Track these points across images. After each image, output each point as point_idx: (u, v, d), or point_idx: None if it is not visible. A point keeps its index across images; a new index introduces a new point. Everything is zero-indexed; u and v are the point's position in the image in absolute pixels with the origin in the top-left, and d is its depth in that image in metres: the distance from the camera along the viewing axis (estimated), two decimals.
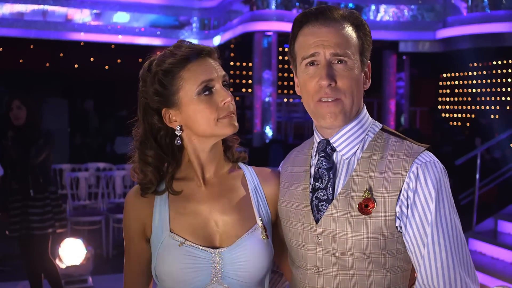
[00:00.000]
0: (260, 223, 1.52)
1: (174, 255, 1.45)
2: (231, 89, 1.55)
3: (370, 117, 1.51)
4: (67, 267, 5.08)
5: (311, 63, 1.43)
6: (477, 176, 6.20)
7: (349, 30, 1.43)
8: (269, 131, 11.88)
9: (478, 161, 6.17)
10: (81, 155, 10.34)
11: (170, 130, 1.53)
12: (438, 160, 1.39)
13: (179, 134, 1.51)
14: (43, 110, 13.76)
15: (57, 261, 5.10)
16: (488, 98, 13.35)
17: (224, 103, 1.47)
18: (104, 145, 11.23)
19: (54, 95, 14.22)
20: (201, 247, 1.46)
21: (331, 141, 1.46)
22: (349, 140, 1.45)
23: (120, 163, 7.81)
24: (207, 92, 1.47)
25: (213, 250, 1.47)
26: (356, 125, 1.46)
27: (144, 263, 1.54)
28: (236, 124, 1.50)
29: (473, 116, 14.02)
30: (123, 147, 9.97)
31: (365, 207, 1.37)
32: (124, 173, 6.98)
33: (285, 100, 14.26)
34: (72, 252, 5.10)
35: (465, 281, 1.31)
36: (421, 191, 1.34)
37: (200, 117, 1.47)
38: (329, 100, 1.41)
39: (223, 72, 1.51)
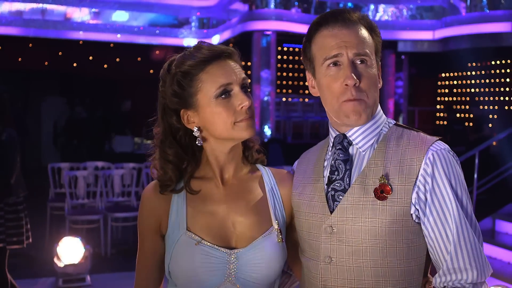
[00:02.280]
0: (276, 226, 1.53)
1: (190, 254, 1.46)
2: (249, 89, 1.55)
3: (384, 114, 1.55)
4: (65, 265, 5.09)
5: (334, 64, 1.45)
6: (475, 175, 6.21)
7: (365, 31, 1.48)
8: (267, 130, 11.88)
9: (476, 161, 6.18)
10: (80, 154, 10.33)
11: (189, 130, 1.54)
12: (450, 148, 1.45)
13: (197, 135, 1.52)
14: (42, 108, 13.79)
15: (55, 260, 5.11)
16: (486, 98, 13.36)
17: (242, 107, 1.47)
18: (102, 144, 11.22)
19: (52, 93, 14.23)
20: (217, 247, 1.47)
21: (348, 135, 1.50)
22: (364, 134, 1.49)
23: (119, 162, 7.80)
24: (224, 96, 1.47)
25: (229, 251, 1.48)
26: (371, 121, 1.50)
27: (157, 259, 1.55)
28: (254, 128, 1.51)
29: (471, 116, 14.04)
30: (121, 146, 9.96)
31: (381, 192, 1.40)
32: (123, 172, 6.98)
33: (283, 99, 14.25)
34: (70, 250, 5.10)
35: (485, 259, 1.38)
36: (439, 177, 1.38)
37: (217, 120, 1.47)
38: (354, 99, 1.43)
39: (243, 75, 1.52)
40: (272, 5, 11.97)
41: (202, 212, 1.52)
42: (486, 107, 13.49)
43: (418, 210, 1.39)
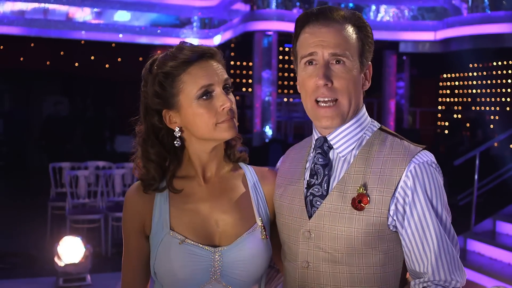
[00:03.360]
0: (260, 223, 1.53)
1: (174, 253, 1.46)
2: (231, 89, 1.55)
3: (368, 117, 1.53)
4: (66, 265, 5.09)
5: (310, 62, 1.44)
6: (476, 176, 6.20)
7: (350, 31, 1.44)
8: (269, 131, 11.88)
9: (477, 162, 6.17)
10: (81, 154, 10.35)
11: (171, 130, 1.54)
12: (434, 160, 1.42)
13: (178, 135, 1.52)
14: (43, 108, 13.79)
15: (56, 259, 5.11)
16: (488, 99, 13.35)
17: (223, 108, 1.47)
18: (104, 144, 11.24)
19: (54, 93, 14.24)
20: (201, 246, 1.47)
21: (329, 138, 1.48)
22: (346, 138, 1.47)
23: (120, 162, 7.82)
24: (206, 97, 1.47)
25: (213, 249, 1.47)
26: (354, 124, 1.48)
27: (142, 259, 1.55)
28: (235, 128, 1.51)
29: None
30: (123, 146, 9.98)
31: (359, 202, 1.38)
32: (124, 171, 6.99)
33: (285, 99, 14.26)
34: (71, 250, 5.11)
35: (463, 268, 1.39)
36: (420, 190, 1.36)
37: (199, 121, 1.47)
38: (326, 100, 1.42)
39: (225, 76, 1.51)
40: (273, 6, 11.97)
41: (185, 211, 1.52)
42: (487, 108, 13.48)
43: (395, 221, 1.38)
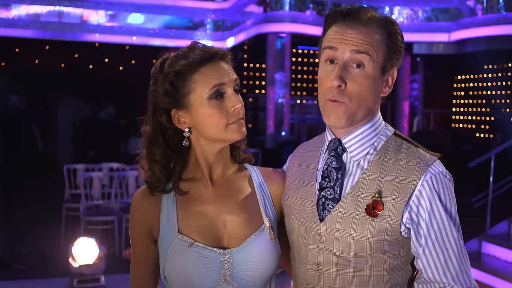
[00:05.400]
0: (267, 223, 1.53)
1: (184, 256, 1.46)
2: (244, 90, 1.55)
3: (383, 121, 1.51)
4: (80, 266, 5.12)
5: (331, 61, 1.42)
6: (491, 178, 6.15)
7: (376, 34, 1.40)
8: (282, 133, 11.88)
9: (492, 164, 6.12)
10: (95, 155, 10.40)
11: (179, 130, 1.53)
12: (447, 171, 1.42)
13: (187, 135, 1.52)
14: (58, 110, 13.91)
15: (70, 260, 5.15)
16: (503, 101, 13.23)
17: (234, 109, 1.47)
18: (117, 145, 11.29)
19: (69, 95, 14.36)
20: (210, 248, 1.47)
21: (343, 141, 1.47)
22: (361, 142, 1.46)
23: (134, 164, 7.83)
24: (218, 97, 1.47)
25: (222, 251, 1.47)
26: (369, 128, 1.46)
27: (151, 264, 1.55)
28: (245, 130, 1.50)
29: (487, 118, 13.90)
30: (136, 148, 10.01)
31: (373, 209, 1.38)
32: (137, 173, 7.00)
33: (298, 101, 14.26)
34: (85, 251, 5.14)
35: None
36: (438, 200, 1.37)
37: (209, 121, 1.47)
38: (337, 101, 1.41)
39: (235, 77, 1.51)
40: (286, 8, 11.97)
41: (193, 213, 1.51)
42: (502, 110, 13.35)
43: (409, 230, 1.38)
